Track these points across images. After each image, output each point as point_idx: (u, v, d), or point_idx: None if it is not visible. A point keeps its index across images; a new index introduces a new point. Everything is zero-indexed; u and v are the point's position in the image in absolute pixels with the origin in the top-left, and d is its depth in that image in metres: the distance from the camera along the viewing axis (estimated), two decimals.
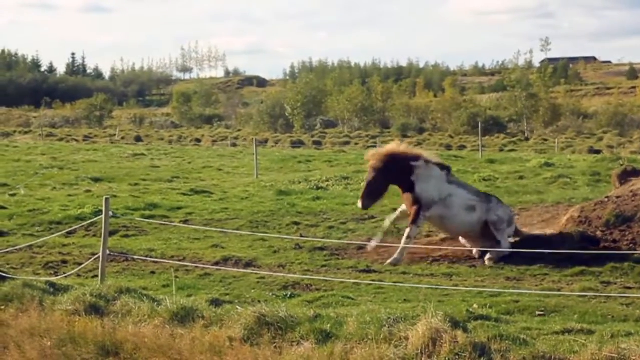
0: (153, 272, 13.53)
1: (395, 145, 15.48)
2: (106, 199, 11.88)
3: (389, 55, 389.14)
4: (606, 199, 15.23)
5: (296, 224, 17.86)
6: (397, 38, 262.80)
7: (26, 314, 10.12)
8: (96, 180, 27.27)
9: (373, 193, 14.85)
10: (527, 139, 59.84)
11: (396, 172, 14.80)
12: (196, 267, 13.47)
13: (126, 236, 16.74)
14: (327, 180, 25.95)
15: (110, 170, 31.28)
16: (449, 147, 51.81)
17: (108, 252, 11.99)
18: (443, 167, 15.16)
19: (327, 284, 12.35)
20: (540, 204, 18.98)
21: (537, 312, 10.27)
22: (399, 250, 14.26)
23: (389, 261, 14.12)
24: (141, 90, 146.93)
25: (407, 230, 14.57)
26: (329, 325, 8.66)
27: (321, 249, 15.07)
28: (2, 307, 10.45)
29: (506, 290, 11.37)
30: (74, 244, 15.79)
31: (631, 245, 13.88)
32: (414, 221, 14.59)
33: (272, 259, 14.30)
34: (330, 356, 8.16)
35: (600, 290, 11.69)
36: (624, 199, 14.96)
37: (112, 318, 9.72)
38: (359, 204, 14.95)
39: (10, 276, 11.57)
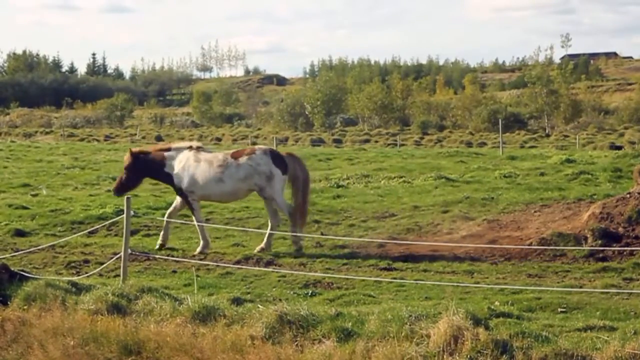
0: (174, 271, 13.59)
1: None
2: (127, 198, 11.94)
3: (409, 53, 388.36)
4: (628, 195, 15.13)
5: (317, 222, 17.83)
6: (417, 35, 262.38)
7: (49, 314, 10.18)
8: None
9: (124, 186, 15.91)
10: (547, 136, 59.60)
11: (149, 167, 15.68)
12: (217, 265, 13.51)
13: (147, 235, 16.81)
14: (348, 178, 25.89)
15: None
16: (469, 144, 51.64)
17: (130, 251, 12.05)
18: (191, 147, 15.75)
19: (348, 282, 12.37)
20: (561, 201, 18.87)
21: (559, 309, 10.25)
22: (201, 238, 15.03)
23: (198, 250, 14.90)
24: (161, 89, 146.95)
25: (194, 218, 15.45)
26: (350, 324, 8.67)
27: (342, 247, 15.08)
28: (25, 307, 10.52)
29: (528, 287, 11.34)
30: (96, 244, 15.87)
31: None
32: (190, 209, 15.60)
33: (293, 258, 14.32)
34: (351, 354, 8.17)
35: (623, 286, 11.65)
36: None
37: (134, 317, 9.77)
38: (113, 193, 16.43)
39: (32, 276, 11.64)
